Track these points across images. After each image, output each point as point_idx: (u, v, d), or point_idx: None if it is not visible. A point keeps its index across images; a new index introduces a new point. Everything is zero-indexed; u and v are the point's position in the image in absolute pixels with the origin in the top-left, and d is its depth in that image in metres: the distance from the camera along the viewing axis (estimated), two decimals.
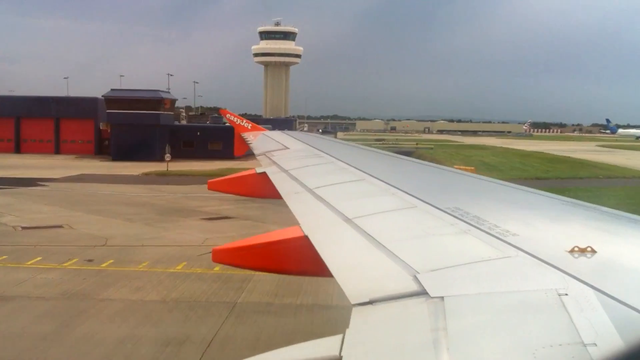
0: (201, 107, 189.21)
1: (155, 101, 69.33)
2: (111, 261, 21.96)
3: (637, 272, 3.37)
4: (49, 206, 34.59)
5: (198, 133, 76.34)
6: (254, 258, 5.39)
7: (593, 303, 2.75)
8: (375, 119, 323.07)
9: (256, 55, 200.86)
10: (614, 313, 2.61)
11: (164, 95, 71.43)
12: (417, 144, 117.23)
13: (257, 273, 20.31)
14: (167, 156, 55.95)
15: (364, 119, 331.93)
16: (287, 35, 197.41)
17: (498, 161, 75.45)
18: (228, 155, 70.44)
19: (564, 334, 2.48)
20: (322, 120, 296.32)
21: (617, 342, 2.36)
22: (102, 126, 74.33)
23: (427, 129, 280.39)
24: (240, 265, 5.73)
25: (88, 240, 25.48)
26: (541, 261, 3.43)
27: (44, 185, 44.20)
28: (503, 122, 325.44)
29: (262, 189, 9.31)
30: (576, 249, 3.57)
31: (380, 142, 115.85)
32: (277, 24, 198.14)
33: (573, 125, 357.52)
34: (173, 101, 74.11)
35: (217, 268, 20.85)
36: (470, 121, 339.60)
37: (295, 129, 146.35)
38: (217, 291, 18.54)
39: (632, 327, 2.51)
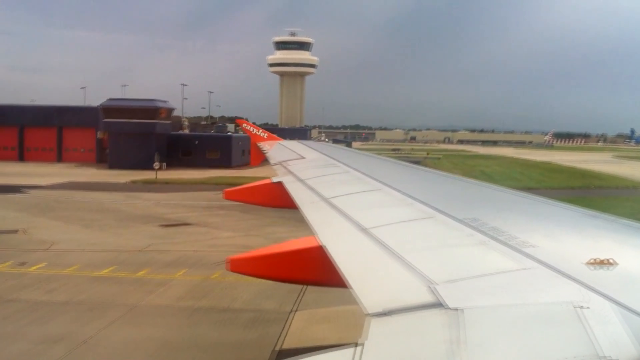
0: (221, 117, 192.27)
1: (151, 110, 70.25)
2: (43, 264, 22.27)
3: None
4: (17, 212, 35.13)
5: (196, 142, 77.44)
6: (270, 268, 5.46)
7: (612, 316, 2.73)
8: (396, 128, 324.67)
9: (271, 65, 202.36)
10: (633, 327, 2.59)
11: (160, 104, 72.42)
12: (427, 154, 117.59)
13: (176, 277, 20.85)
14: (156, 164, 56.90)
15: (385, 128, 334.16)
16: (303, 46, 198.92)
17: (498, 171, 75.90)
18: (225, 163, 71.99)
19: (582, 347, 2.46)
20: (342, 130, 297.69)
21: (636, 357, 2.34)
22: (99, 135, 75.78)
23: (447, 139, 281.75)
24: (255, 275, 5.72)
25: (34, 245, 25.91)
26: (560, 273, 3.42)
27: (25, 192, 44.90)
28: (526, 133, 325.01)
29: (278, 199, 9.36)
30: (594, 261, 3.56)
31: (395, 152, 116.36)
32: (293, 34, 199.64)
33: (597, 135, 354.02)
34: (169, 110, 75.00)
35: (143, 272, 21.34)
36: (493, 131, 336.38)
37: (309, 139, 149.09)
38: (126, 294, 18.73)
39: None
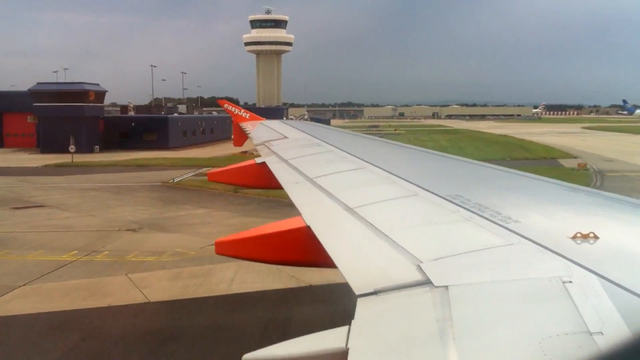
0: (198, 97, 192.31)
1: (79, 93, 70.80)
2: None
3: None
4: None
5: (133, 124, 78.34)
6: (257, 249, 5.44)
7: (597, 290, 2.75)
8: (388, 105, 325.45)
9: (247, 44, 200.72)
10: (619, 300, 2.61)
11: (88, 87, 72.83)
12: (395, 130, 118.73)
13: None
14: (71, 147, 57.31)
15: (377, 105, 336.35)
16: (278, 24, 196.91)
17: (443, 145, 77.63)
18: (162, 145, 72.40)
19: (570, 322, 2.48)
20: (330, 108, 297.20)
21: (623, 330, 2.36)
22: (29, 119, 76.15)
23: (435, 114, 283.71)
24: (243, 257, 5.72)
25: None
26: (544, 248, 3.44)
27: None
28: (518, 106, 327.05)
29: (263, 179, 9.41)
30: (579, 235, 3.57)
31: (370, 129, 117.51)
32: (268, 12, 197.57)
33: (590, 107, 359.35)
34: (100, 93, 74.88)
35: None
36: (486, 105, 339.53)
37: (287, 118, 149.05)
38: None
39: (638, 314, 2.51)
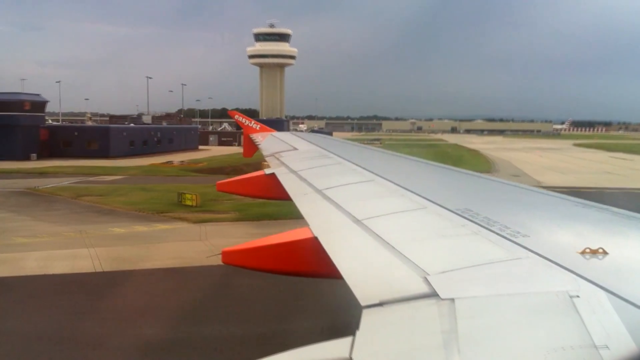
0: (196, 110, 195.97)
1: (15, 103, 73.01)
2: None
3: None
4: None
5: (76, 133, 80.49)
6: (263, 260, 5.45)
7: (605, 305, 2.74)
8: (412, 119, 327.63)
9: (251, 57, 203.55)
10: (626, 315, 2.60)
11: (25, 97, 75.41)
12: (380, 143, 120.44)
13: None
14: None
15: (401, 119, 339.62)
16: (282, 37, 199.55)
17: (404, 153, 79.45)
18: (103, 154, 73.93)
19: (576, 336, 2.47)
20: (349, 121, 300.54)
21: (629, 345, 2.36)
22: None
23: (454, 129, 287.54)
24: (249, 267, 5.69)
25: None
26: (552, 262, 3.43)
27: None
28: (546, 121, 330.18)
29: (271, 190, 9.37)
30: (587, 250, 3.57)
31: (373, 142, 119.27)
32: (272, 25, 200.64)
33: (619, 123, 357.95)
34: (38, 103, 76.80)
35: None
36: (513, 120, 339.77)
37: (286, 130, 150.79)
38: None
39: None
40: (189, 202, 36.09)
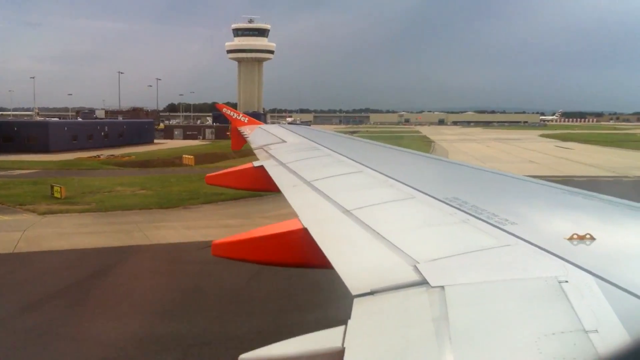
0: (173, 103, 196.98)
1: None
2: None
3: (636, 258, 3.44)
4: None
5: (15, 128, 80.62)
6: (254, 251, 5.46)
7: (593, 290, 2.78)
8: (403, 111, 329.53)
9: (230, 51, 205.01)
10: (614, 300, 2.64)
11: None
12: (352, 134, 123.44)
13: None
14: None
15: (393, 111, 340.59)
16: (261, 32, 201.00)
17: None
18: (43, 148, 74.79)
19: (566, 321, 2.50)
20: (337, 114, 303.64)
21: (618, 329, 2.39)
22: None
23: (441, 121, 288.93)
24: (240, 259, 5.70)
25: None
26: (541, 249, 3.47)
27: None
28: (539, 113, 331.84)
29: (260, 182, 9.39)
30: (575, 236, 3.62)
31: (352, 135, 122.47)
32: (251, 21, 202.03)
33: (610, 114, 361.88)
34: None
35: None
36: (504, 112, 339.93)
37: (265, 124, 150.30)
38: None
39: (633, 313, 2.54)
40: (57, 195, 36.63)
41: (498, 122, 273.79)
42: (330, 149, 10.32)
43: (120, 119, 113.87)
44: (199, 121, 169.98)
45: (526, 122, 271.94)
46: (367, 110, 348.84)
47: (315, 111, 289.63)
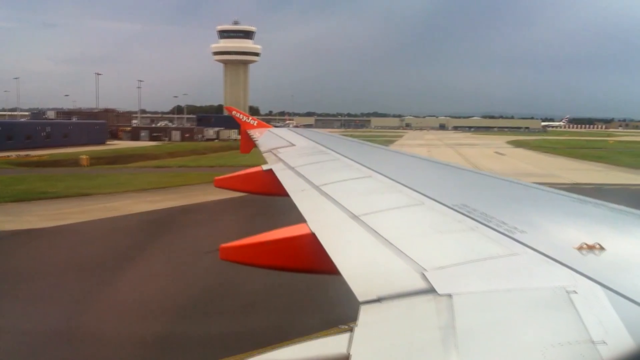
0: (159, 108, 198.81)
1: None
2: None
3: None
4: None
5: None
6: (260, 255, 5.43)
7: (602, 301, 2.72)
8: (409, 115, 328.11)
9: (215, 53, 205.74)
10: (623, 311, 2.58)
11: None
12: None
13: None
14: None
15: (399, 115, 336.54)
16: (247, 35, 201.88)
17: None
18: None
19: (573, 332, 2.46)
20: (339, 118, 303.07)
21: (627, 340, 2.34)
22: None
23: (442, 125, 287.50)
24: (247, 263, 5.67)
25: None
26: (549, 258, 3.42)
27: None
28: (547, 119, 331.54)
29: (269, 186, 9.36)
30: (584, 246, 3.56)
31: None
32: (236, 22, 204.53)
33: (619, 120, 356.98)
34: None
35: None
36: (513, 117, 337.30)
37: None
38: None
39: None
40: None
41: (499, 127, 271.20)
42: (339, 153, 10.34)
43: (74, 119, 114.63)
44: (172, 123, 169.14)
45: (527, 127, 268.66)
46: (375, 114, 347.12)
47: (316, 114, 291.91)
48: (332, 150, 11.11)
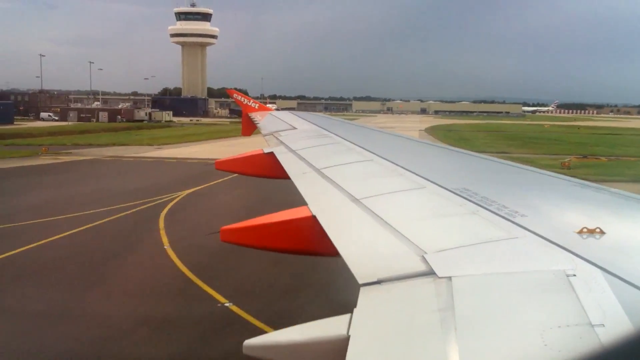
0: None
1: None
2: None
3: None
4: None
5: None
6: (262, 238, 5.42)
7: (601, 284, 2.74)
8: (399, 99, 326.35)
9: (172, 35, 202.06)
10: (622, 294, 2.60)
11: None
12: None
13: None
14: None
15: (388, 99, 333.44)
16: (204, 17, 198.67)
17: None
18: None
19: (572, 314, 2.47)
20: (322, 101, 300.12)
21: (625, 323, 2.36)
22: None
23: (423, 110, 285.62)
24: (248, 245, 5.65)
25: None
26: (549, 242, 3.43)
27: None
28: (539, 104, 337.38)
29: (270, 169, 9.35)
30: (585, 230, 3.57)
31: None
32: (193, 4, 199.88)
33: (609, 106, 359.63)
34: None
35: None
36: (504, 102, 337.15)
37: (200, 109, 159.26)
38: None
39: None
40: None
41: (479, 111, 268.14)
42: (341, 137, 10.31)
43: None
44: (122, 105, 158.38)
45: (508, 112, 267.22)
46: (368, 98, 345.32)
47: (301, 97, 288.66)
48: (334, 133, 11.09)
